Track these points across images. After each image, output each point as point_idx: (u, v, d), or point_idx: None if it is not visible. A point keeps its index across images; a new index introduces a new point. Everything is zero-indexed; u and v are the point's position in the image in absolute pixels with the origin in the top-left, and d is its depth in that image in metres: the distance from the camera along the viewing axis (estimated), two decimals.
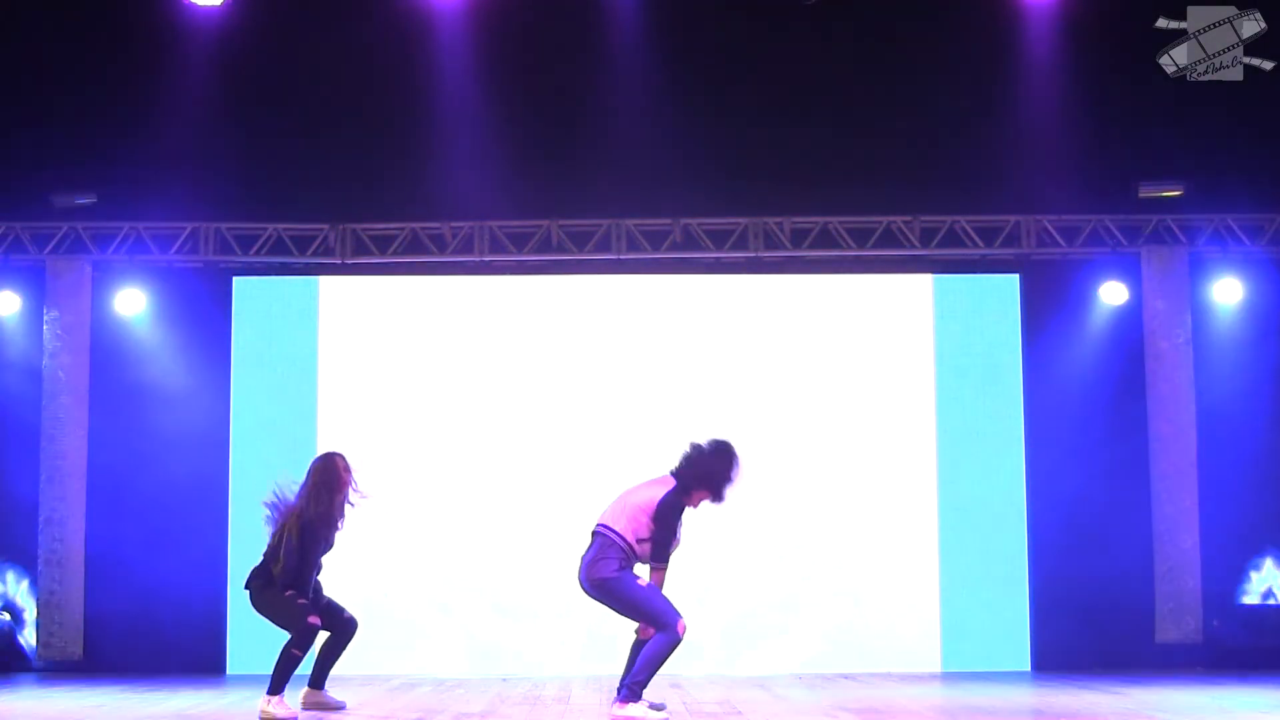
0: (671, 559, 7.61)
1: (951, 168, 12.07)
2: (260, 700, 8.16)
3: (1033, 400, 12.31)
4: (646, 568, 7.68)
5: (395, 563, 12.05)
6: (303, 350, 12.34)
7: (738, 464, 7.63)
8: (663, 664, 7.51)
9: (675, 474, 7.68)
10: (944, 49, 11.79)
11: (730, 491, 7.65)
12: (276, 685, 8.13)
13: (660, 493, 7.61)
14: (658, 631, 7.49)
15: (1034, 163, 11.97)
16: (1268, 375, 12.31)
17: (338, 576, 11.86)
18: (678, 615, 7.48)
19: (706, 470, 7.62)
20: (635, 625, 7.71)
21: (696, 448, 7.67)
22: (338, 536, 8.55)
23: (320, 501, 8.35)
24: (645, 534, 7.56)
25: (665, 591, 7.57)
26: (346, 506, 8.49)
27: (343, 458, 8.52)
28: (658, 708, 7.59)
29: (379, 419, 12.26)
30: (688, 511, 7.68)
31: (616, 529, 7.61)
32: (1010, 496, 12.25)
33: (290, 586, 8.28)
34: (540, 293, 12.52)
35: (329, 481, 8.41)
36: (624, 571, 7.55)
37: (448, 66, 11.89)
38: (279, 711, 8.06)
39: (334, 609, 8.55)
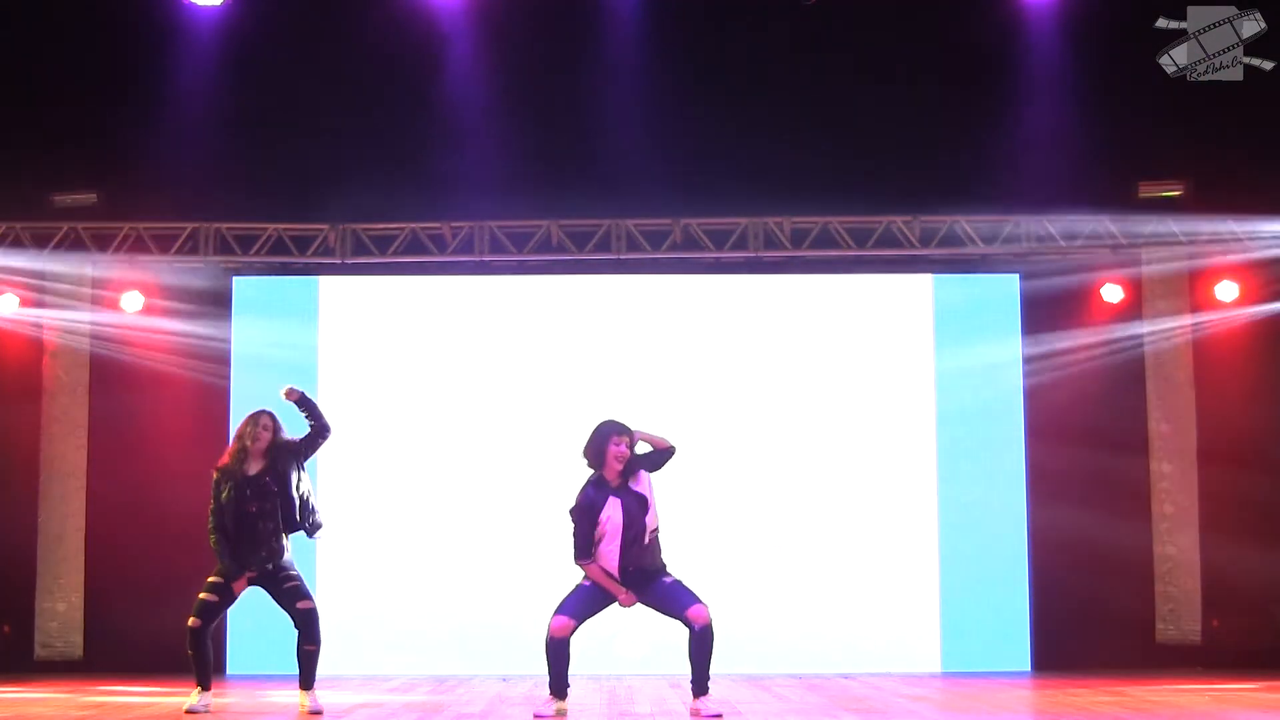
0: (588, 561, 8.27)
1: (951, 168, 12.06)
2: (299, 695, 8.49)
3: (1032, 400, 12.30)
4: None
5: (395, 562, 12.05)
6: (303, 350, 12.34)
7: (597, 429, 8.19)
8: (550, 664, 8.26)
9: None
10: (944, 49, 11.78)
11: (604, 445, 8.14)
12: (304, 680, 8.45)
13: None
14: None
15: (1034, 163, 11.95)
16: (1267, 375, 12.30)
17: (338, 574, 11.94)
18: (557, 613, 8.24)
19: (588, 450, 8.18)
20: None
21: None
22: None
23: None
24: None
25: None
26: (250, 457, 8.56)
27: (263, 415, 8.66)
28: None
29: (379, 419, 12.27)
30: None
31: None
32: (1010, 496, 12.24)
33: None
34: (540, 293, 12.52)
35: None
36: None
37: (449, 67, 11.88)
38: (308, 703, 8.41)
39: (292, 593, 8.40)
